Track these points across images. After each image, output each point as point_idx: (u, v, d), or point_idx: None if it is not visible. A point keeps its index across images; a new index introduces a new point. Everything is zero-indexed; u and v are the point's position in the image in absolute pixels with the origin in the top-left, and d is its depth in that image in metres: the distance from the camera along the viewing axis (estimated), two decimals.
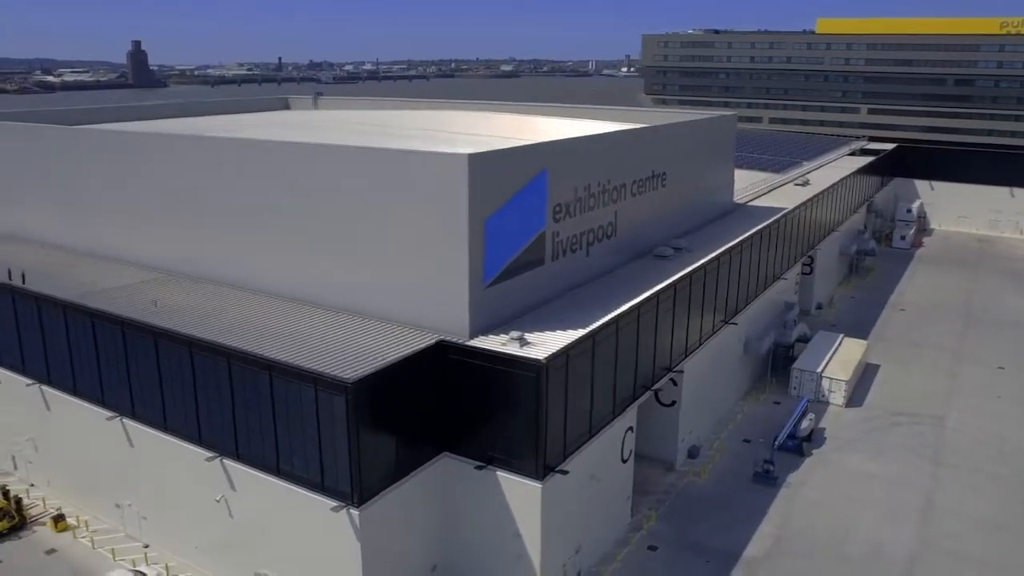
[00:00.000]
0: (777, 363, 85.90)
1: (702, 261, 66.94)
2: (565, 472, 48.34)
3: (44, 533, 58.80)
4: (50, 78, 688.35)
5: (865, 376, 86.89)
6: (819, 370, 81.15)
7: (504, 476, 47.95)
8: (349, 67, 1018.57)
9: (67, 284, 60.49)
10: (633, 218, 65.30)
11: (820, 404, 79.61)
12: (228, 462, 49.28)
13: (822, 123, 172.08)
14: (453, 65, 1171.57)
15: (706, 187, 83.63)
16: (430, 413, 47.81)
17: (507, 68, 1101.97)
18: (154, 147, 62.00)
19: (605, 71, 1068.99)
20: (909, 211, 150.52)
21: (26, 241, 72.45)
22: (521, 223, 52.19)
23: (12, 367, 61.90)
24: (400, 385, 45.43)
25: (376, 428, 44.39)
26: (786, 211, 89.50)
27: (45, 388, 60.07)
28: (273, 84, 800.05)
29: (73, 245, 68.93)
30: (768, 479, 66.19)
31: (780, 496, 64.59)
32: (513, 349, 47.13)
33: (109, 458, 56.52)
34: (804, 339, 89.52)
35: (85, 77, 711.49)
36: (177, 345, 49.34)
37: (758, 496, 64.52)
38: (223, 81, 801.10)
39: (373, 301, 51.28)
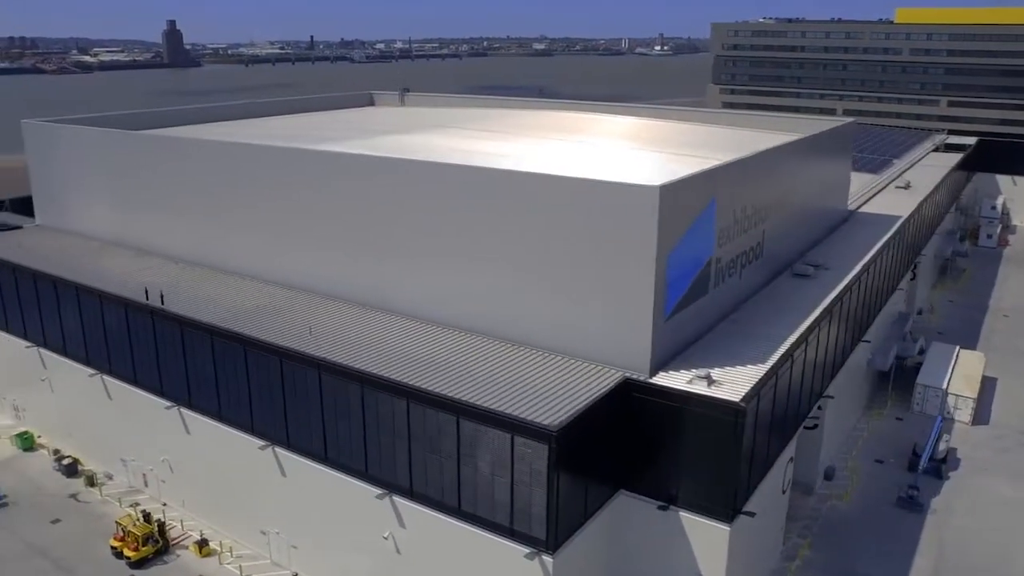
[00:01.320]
0: (896, 377, 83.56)
1: (848, 279, 64.61)
2: (752, 514, 46.49)
3: (188, 558, 57.80)
4: (87, 58, 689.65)
5: (985, 390, 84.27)
6: (944, 386, 78.63)
7: (689, 517, 46.23)
8: (380, 45, 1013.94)
9: (204, 304, 59.42)
10: (775, 235, 63.20)
11: (945, 422, 77.16)
12: (399, 500, 47.64)
13: (898, 115, 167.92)
14: (485, 44, 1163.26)
15: (830, 196, 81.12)
16: (611, 451, 46.20)
17: (539, 47, 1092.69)
18: (307, 163, 60.05)
19: (638, 49, 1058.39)
20: (993, 208, 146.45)
21: (149, 254, 71.14)
22: (694, 252, 50.33)
23: (151, 389, 60.55)
24: (592, 426, 43.75)
25: (571, 471, 42.90)
26: (903, 218, 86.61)
27: (185, 411, 58.70)
28: (307, 63, 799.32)
29: (199, 260, 67.66)
30: (913, 504, 64.27)
31: (928, 523, 62.56)
32: (701, 389, 45.33)
33: (257, 485, 55.53)
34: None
35: (121, 57, 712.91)
36: (347, 380, 47.78)
37: (905, 523, 62.61)
38: (256, 60, 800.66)
39: (543, 332, 49.66)
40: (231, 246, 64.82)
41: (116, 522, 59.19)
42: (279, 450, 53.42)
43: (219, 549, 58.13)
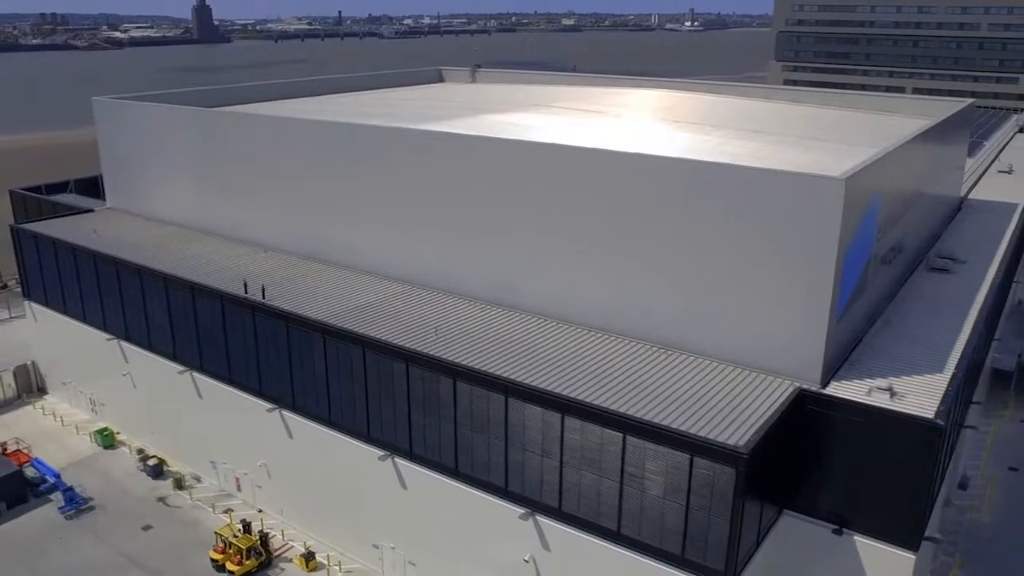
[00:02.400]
0: (1020, 378, 78.32)
1: (992, 274, 59.53)
2: (938, 540, 41.83)
3: (293, 572, 54.03)
4: (117, 34, 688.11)
5: None
6: None
7: (866, 543, 41.46)
8: (409, 21, 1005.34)
9: (309, 298, 55.39)
10: (911, 228, 58.17)
11: None
12: (544, 520, 43.22)
13: (973, 94, 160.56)
14: (513, 19, 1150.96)
15: (949, 183, 75.80)
16: (779, 469, 41.42)
17: (568, 22, 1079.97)
18: (441, 147, 55.12)
19: (668, 25, 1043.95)
20: None
21: (234, 241, 66.87)
22: (862, 248, 45.43)
23: (249, 389, 56.46)
24: (771, 444, 38.99)
25: (750, 495, 38.24)
26: (1021, 206, 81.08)
27: (288, 414, 54.52)
28: (336, 39, 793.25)
29: (294, 249, 63.67)
30: None
31: None
32: (884, 402, 40.52)
33: (372, 496, 51.68)
34: None
35: (151, 33, 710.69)
36: (488, 389, 43.65)
37: None
38: (285, 36, 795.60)
39: (701, 336, 44.99)
40: (335, 235, 60.46)
41: (216, 533, 55.36)
42: (400, 461, 49.10)
43: (326, 563, 53.99)
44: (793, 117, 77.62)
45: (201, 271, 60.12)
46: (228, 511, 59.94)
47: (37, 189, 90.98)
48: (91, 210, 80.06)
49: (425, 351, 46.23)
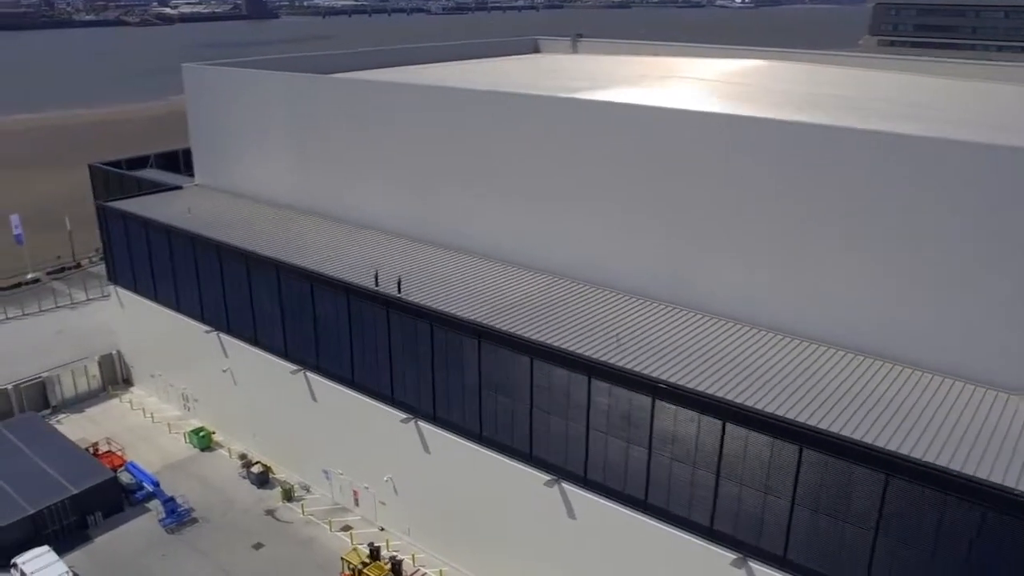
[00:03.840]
0: None
1: None
2: None
3: None
4: (167, 10, 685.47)
5: None
6: None
7: None
8: None
9: (449, 292, 47.98)
10: None
11: None
12: (758, 567, 35.37)
13: None
14: None
15: None
16: None
17: None
18: (610, 119, 46.97)
19: (719, 2, 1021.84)
20: None
21: (353, 225, 60.03)
22: None
23: (377, 395, 49.22)
24: None
25: None
26: None
27: (427, 426, 47.21)
28: (383, 15, 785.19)
29: (419, 235, 56.54)
30: None
31: None
32: None
33: (530, 524, 44.73)
34: None
35: (200, 9, 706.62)
36: (702, 412, 36.22)
37: None
38: (333, 12, 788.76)
39: (902, 341, 36.38)
40: (470, 219, 52.62)
41: (343, 559, 48.29)
42: (569, 487, 41.34)
43: None
44: (949, 92, 68.19)
45: (319, 258, 52.82)
46: (346, 529, 53.09)
47: (117, 164, 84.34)
48: (179, 187, 73.05)
49: (620, 365, 38.40)
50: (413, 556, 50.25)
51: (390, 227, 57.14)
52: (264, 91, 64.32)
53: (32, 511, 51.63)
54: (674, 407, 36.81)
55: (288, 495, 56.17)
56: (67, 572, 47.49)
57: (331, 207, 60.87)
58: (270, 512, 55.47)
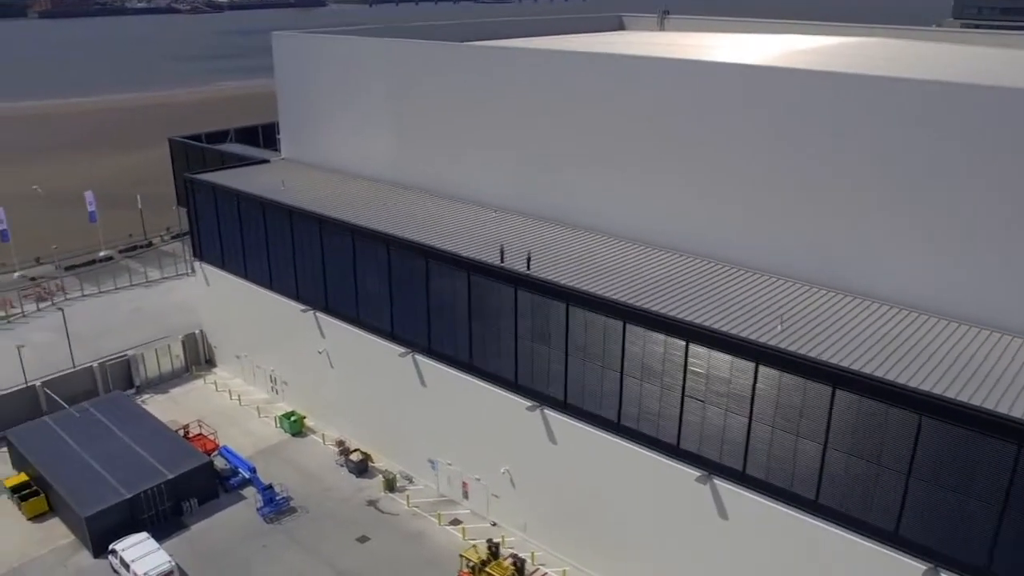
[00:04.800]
0: None
1: None
2: None
3: None
4: None
5: None
6: None
7: None
8: None
9: (583, 269, 44.19)
10: None
11: None
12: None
13: None
14: None
15: None
16: None
17: None
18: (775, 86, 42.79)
19: None
20: None
21: (458, 200, 56.98)
22: None
23: (498, 380, 45.68)
24: None
25: None
26: None
27: (554, 415, 43.59)
28: (430, 3, 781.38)
29: (531, 210, 53.04)
30: None
31: None
32: None
33: (672, 521, 41.21)
34: None
35: None
36: (892, 405, 32.12)
37: None
38: (379, 0, 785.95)
39: None
40: (595, 196, 49.01)
41: (461, 556, 44.93)
42: (723, 483, 37.38)
43: None
44: None
45: (432, 233, 49.31)
46: (455, 523, 49.63)
47: (196, 138, 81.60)
48: (266, 160, 69.95)
49: (791, 350, 34.19)
50: (532, 554, 46.54)
51: (499, 203, 53.79)
52: (362, 60, 60.97)
53: (129, 495, 48.82)
54: (874, 404, 32.50)
55: (390, 485, 52.92)
56: (169, 561, 44.46)
57: (433, 182, 57.47)
58: (372, 503, 52.25)
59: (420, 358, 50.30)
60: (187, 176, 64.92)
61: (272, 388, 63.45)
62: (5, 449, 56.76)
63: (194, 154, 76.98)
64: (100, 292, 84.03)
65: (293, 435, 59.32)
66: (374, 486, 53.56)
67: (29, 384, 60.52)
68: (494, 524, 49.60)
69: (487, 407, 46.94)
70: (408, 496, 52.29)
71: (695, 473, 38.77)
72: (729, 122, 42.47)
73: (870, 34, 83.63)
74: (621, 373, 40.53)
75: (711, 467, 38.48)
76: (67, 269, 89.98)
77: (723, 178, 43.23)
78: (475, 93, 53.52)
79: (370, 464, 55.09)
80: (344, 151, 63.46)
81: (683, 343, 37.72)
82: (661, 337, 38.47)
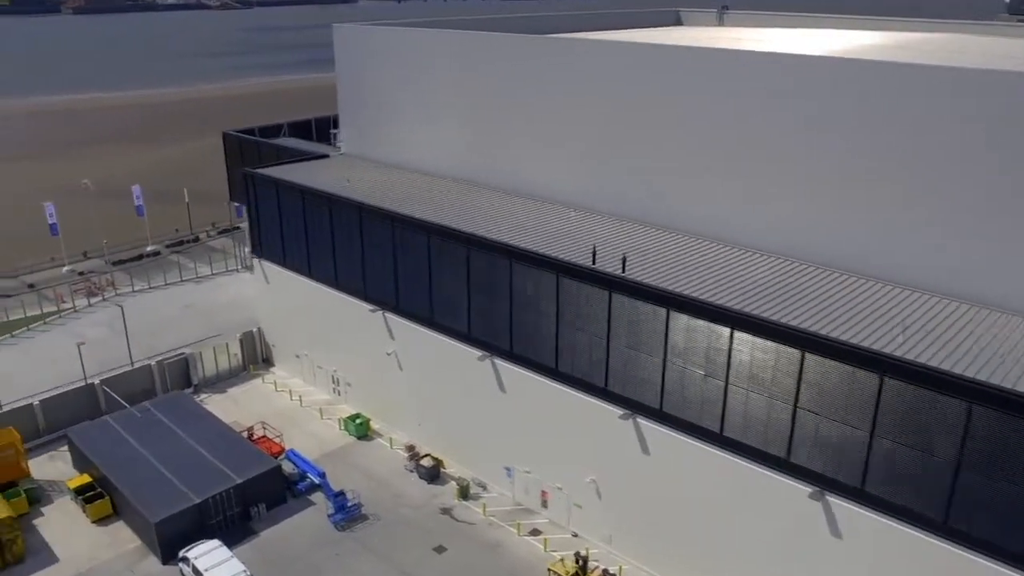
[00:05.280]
0: None
1: None
2: None
3: None
4: None
5: None
6: None
7: None
8: None
9: (682, 272, 42.23)
10: None
11: None
12: None
13: None
14: None
15: None
16: None
17: None
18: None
19: None
20: None
21: (533, 199, 54.80)
22: None
23: (589, 389, 43.72)
24: None
25: None
26: None
27: (649, 424, 41.64)
28: (459, 0, 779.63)
29: (615, 209, 51.08)
30: None
31: None
32: None
33: (778, 539, 38.99)
34: None
35: None
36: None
37: None
38: None
39: None
40: (687, 197, 46.84)
41: (550, 569, 43.16)
42: (837, 501, 35.23)
43: None
44: None
45: (514, 233, 47.31)
46: (535, 533, 47.78)
47: (249, 132, 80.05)
48: (326, 155, 68.24)
49: (920, 361, 32.03)
50: (620, 568, 44.50)
51: (580, 202, 51.77)
52: (435, 52, 59.02)
53: (198, 500, 47.14)
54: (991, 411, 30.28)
55: (464, 492, 51.05)
56: (245, 571, 42.75)
57: (510, 179, 55.67)
58: (446, 511, 50.42)
59: (500, 362, 48.32)
60: (248, 171, 63.25)
61: (334, 389, 61.76)
62: (65, 448, 55.28)
63: (249, 148, 75.48)
64: (150, 287, 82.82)
65: (358, 438, 57.58)
66: (447, 493, 51.77)
67: (88, 382, 58.97)
68: (575, 535, 47.70)
69: (573, 414, 45.05)
70: (484, 504, 50.29)
71: (807, 489, 36.44)
72: (839, 120, 40.13)
73: (930, 29, 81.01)
74: (726, 382, 38.30)
75: (825, 483, 36.16)
76: (114, 264, 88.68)
77: (833, 180, 40.89)
78: (561, 87, 51.46)
79: (441, 470, 53.08)
80: (411, 147, 61.66)
81: (799, 352, 35.44)
82: (772, 345, 36.21)
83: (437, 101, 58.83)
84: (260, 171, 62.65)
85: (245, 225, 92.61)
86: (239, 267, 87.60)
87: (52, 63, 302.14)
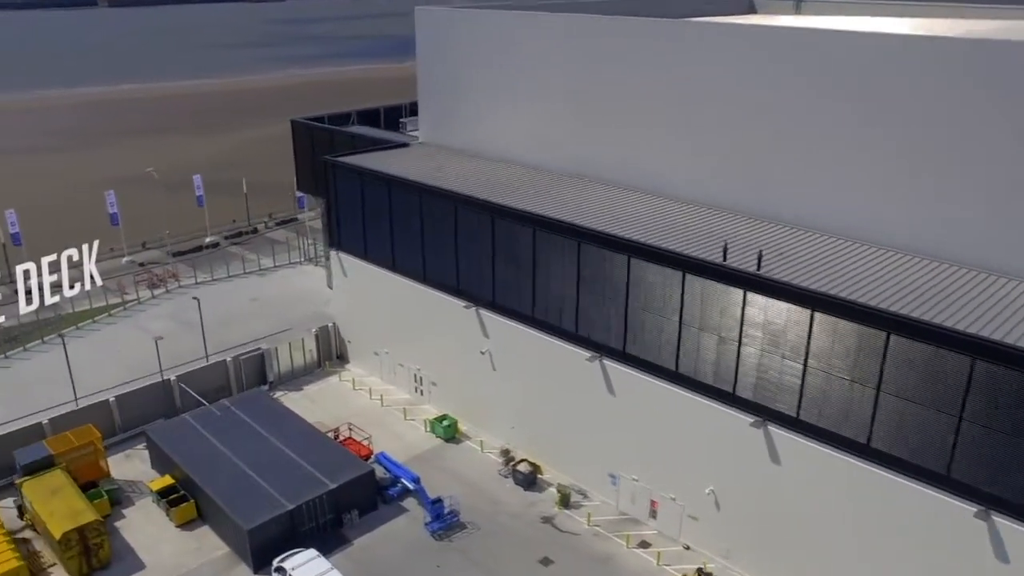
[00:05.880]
0: None
1: None
2: None
3: None
4: None
5: None
6: None
7: None
8: None
9: (820, 271, 39.18)
10: None
11: None
12: None
13: None
14: None
15: None
16: None
17: None
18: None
19: None
20: None
21: (638, 190, 51.62)
22: None
23: (709, 392, 40.82)
24: None
25: None
26: None
27: (779, 431, 38.51)
28: None
29: (730, 204, 47.86)
30: None
31: None
32: None
33: (932, 561, 35.74)
34: None
35: None
36: None
37: None
38: None
39: None
40: (822, 194, 43.61)
41: None
42: (1003, 520, 32.06)
43: None
44: None
45: (631, 227, 44.35)
46: (644, 545, 45.02)
47: (319, 120, 77.56)
48: (406, 144, 65.58)
49: None
50: None
51: (695, 195, 48.67)
52: (533, 37, 55.96)
53: (291, 507, 44.60)
54: None
55: (565, 500, 48.25)
56: None
57: (610, 171, 52.63)
58: (547, 519, 47.67)
59: (610, 363, 45.43)
60: (328, 159, 60.70)
61: (416, 388, 59.23)
62: (141, 446, 53.14)
63: (321, 137, 72.85)
64: (214, 280, 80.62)
65: (446, 440, 54.96)
66: (546, 500, 49.11)
67: (165, 378, 56.80)
68: (687, 548, 44.79)
69: (695, 421, 42.13)
70: (589, 514, 47.49)
71: (972, 508, 33.32)
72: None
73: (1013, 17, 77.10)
74: (877, 390, 35.22)
75: (991, 502, 33.04)
76: (174, 255, 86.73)
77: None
78: (677, 74, 48.35)
79: (537, 476, 50.34)
80: (501, 135, 58.87)
81: (968, 360, 32.29)
82: (934, 350, 33.16)
83: (538, 88, 55.78)
84: (341, 160, 60.07)
85: (306, 216, 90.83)
86: (302, 259, 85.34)
87: (92, 55, 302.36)
